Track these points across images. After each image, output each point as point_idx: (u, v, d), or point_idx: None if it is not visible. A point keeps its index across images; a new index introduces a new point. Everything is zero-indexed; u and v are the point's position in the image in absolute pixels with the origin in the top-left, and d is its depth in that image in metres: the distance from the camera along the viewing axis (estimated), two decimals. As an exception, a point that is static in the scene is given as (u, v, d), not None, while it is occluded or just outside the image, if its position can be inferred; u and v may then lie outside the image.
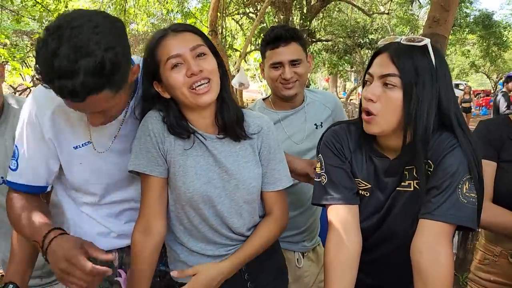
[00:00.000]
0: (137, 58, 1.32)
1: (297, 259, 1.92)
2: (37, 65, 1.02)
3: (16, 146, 1.30)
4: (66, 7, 7.81)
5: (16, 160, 1.29)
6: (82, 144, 1.31)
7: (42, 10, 7.23)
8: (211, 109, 1.25)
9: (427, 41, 1.09)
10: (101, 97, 1.05)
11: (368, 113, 1.14)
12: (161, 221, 1.26)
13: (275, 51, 1.70)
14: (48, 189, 1.36)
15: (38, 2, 7.09)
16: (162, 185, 1.25)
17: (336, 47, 16.69)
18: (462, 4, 19.02)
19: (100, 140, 1.31)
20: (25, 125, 1.27)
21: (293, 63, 1.71)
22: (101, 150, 1.32)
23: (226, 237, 1.30)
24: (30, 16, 7.44)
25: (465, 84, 28.14)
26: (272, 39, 1.70)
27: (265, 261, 1.38)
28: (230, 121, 1.25)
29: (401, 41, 1.12)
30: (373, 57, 1.17)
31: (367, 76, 1.17)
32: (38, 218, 1.25)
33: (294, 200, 1.75)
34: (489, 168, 1.46)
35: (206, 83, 1.17)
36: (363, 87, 1.20)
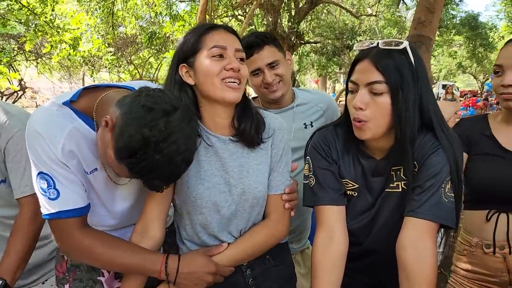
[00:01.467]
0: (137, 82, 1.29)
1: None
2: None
3: (47, 174, 1.16)
4: (53, 10, 7.76)
5: (54, 188, 1.16)
6: (92, 171, 1.24)
7: (28, 14, 7.16)
8: (230, 110, 1.25)
9: (406, 44, 1.11)
10: None
11: (359, 120, 1.15)
12: (159, 225, 1.26)
13: (251, 60, 1.69)
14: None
15: (24, 6, 7.03)
16: (167, 190, 1.23)
17: (324, 49, 16.82)
18: (449, 5, 19.24)
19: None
20: (42, 150, 1.15)
21: (271, 65, 1.71)
22: (121, 182, 1.31)
23: (225, 242, 1.30)
24: (17, 20, 7.35)
25: (452, 84, 28.47)
26: (245, 48, 1.68)
27: (272, 267, 1.37)
28: (249, 128, 1.25)
29: (380, 46, 1.13)
30: (354, 64, 1.18)
31: (350, 84, 1.18)
32: (130, 247, 1.22)
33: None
34: None
35: (238, 83, 1.19)
36: (346, 95, 1.21)
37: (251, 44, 1.67)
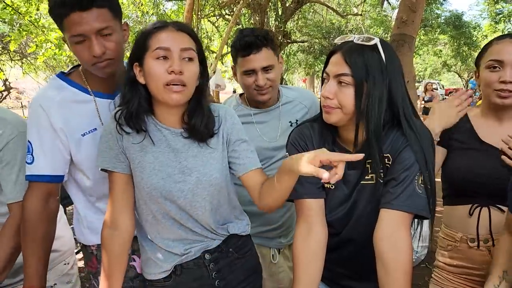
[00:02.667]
0: None
1: (272, 255, 1.95)
2: None
3: (29, 142, 1.38)
4: (38, 9, 7.66)
5: (31, 154, 1.37)
6: (89, 131, 1.40)
7: (12, 13, 7.08)
8: (180, 108, 1.27)
9: (376, 40, 1.16)
10: (103, 11, 1.28)
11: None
12: (128, 216, 1.29)
13: (247, 59, 1.70)
14: (65, 178, 1.43)
15: (8, 5, 6.94)
16: (127, 181, 1.28)
17: (312, 48, 16.89)
18: (433, 5, 19.46)
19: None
20: (34, 119, 1.36)
21: (266, 69, 1.72)
22: None
23: (193, 231, 1.31)
24: (0, 19, 7.26)
25: (437, 82, 28.75)
26: (243, 47, 1.69)
27: (236, 260, 1.40)
28: (199, 125, 1.27)
29: (354, 41, 1.17)
30: (329, 56, 1.23)
31: (324, 74, 1.23)
32: (40, 252, 1.37)
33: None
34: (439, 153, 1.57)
35: (181, 85, 1.18)
36: (321, 85, 1.26)
37: (250, 44, 1.67)
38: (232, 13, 11.47)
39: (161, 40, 1.18)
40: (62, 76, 1.44)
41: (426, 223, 1.27)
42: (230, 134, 1.34)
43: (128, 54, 1.31)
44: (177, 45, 1.18)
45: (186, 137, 1.29)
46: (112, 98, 1.44)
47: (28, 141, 1.38)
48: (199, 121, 1.27)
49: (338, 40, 1.24)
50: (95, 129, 1.41)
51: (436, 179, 1.21)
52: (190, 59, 1.20)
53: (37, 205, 1.37)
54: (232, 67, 1.91)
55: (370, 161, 1.22)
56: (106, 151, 1.26)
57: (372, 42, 1.15)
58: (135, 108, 1.23)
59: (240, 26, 11.34)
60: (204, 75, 1.28)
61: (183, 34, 1.22)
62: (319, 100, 1.31)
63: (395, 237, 1.12)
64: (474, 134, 1.55)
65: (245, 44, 1.69)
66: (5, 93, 9.57)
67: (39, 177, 1.38)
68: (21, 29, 7.37)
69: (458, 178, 1.55)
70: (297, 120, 1.87)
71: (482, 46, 1.58)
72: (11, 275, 1.59)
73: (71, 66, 1.52)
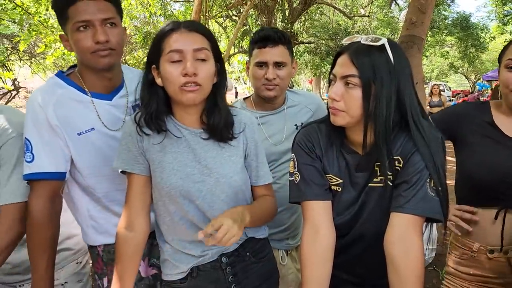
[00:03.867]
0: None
1: (281, 256, 1.95)
2: None
3: (27, 139, 1.35)
4: (47, 9, 7.71)
5: (31, 152, 1.34)
6: (86, 131, 1.39)
7: (22, 13, 7.13)
8: (197, 107, 1.27)
9: (384, 40, 1.14)
10: (108, 5, 1.34)
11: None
12: (144, 218, 1.30)
13: (262, 51, 1.73)
14: (67, 176, 1.41)
15: (18, 5, 6.99)
16: (144, 183, 1.29)
17: (318, 49, 16.85)
18: (441, 6, 19.35)
19: (111, 118, 1.44)
20: (32, 116, 1.35)
21: (278, 65, 1.74)
22: (114, 127, 1.44)
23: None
24: (10, 19, 7.32)
25: (444, 84, 28.53)
26: (261, 39, 1.73)
27: (252, 264, 1.39)
28: (218, 123, 1.27)
29: (361, 41, 1.16)
30: (336, 57, 1.22)
31: (331, 76, 1.21)
32: (47, 255, 1.36)
33: (276, 197, 1.79)
34: None
35: (196, 85, 1.19)
36: (329, 86, 1.24)
37: (268, 37, 1.72)
38: (239, 14, 11.49)
39: (174, 43, 1.18)
40: (61, 75, 1.44)
41: (434, 225, 1.26)
42: (250, 143, 1.36)
43: (126, 59, 1.34)
44: (189, 46, 1.18)
45: (206, 138, 1.29)
46: (109, 99, 1.45)
47: (26, 139, 1.35)
48: (217, 120, 1.27)
49: (345, 41, 1.22)
50: (93, 128, 1.40)
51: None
52: (204, 60, 1.20)
53: (44, 206, 1.34)
54: (246, 62, 1.94)
55: (379, 163, 1.20)
56: (125, 153, 1.27)
57: (379, 43, 1.13)
58: (154, 109, 1.24)
59: (247, 27, 11.35)
60: (221, 73, 1.29)
61: (196, 34, 1.22)
62: (325, 103, 1.31)
63: (407, 241, 1.10)
64: (496, 127, 1.47)
65: (263, 36, 1.73)
66: (14, 93, 9.65)
67: (41, 175, 1.34)
68: (30, 29, 7.42)
69: (480, 177, 1.46)
70: (302, 123, 1.87)
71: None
72: (24, 272, 1.60)
73: (69, 67, 1.52)
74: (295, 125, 1.87)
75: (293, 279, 1.99)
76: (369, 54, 1.13)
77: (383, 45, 1.14)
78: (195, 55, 1.19)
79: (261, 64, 1.75)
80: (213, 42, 1.26)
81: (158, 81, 1.24)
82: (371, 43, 1.14)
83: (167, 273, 1.35)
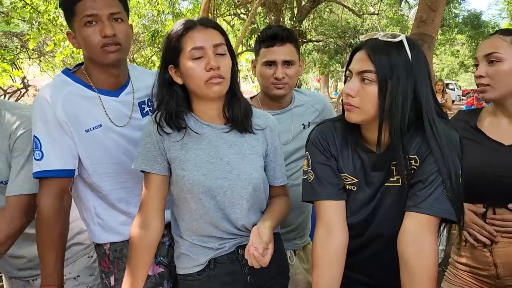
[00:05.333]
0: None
1: (289, 256, 1.94)
2: None
3: (36, 137, 1.36)
4: (56, 8, 7.77)
5: (40, 150, 1.35)
6: (93, 127, 1.40)
7: (32, 12, 7.18)
8: (219, 102, 1.30)
9: (402, 37, 1.12)
10: (115, 0, 1.35)
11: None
12: (159, 217, 1.31)
13: (270, 50, 1.72)
14: (76, 172, 1.42)
15: (28, 4, 7.05)
16: (162, 183, 1.30)
17: (327, 48, 16.81)
18: (451, 4, 19.21)
19: (118, 114, 1.44)
20: (40, 114, 1.36)
21: (286, 63, 1.73)
22: (121, 123, 1.44)
23: (226, 232, 1.32)
24: (20, 18, 7.37)
25: (454, 83, 28.34)
26: (268, 37, 1.72)
27: None
28: (239, 113, 1.31)
29: (379, 38, 1.15)
30: (353, 53, 1.20)
31: (347, 72, 1.20)
32: (57, 250, 1.36)
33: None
34: None
35: (220, 78, 1.22)
36: (345, 82, 1.23)
37: (276, 36, 1.71)
38: (247, 12, 11.48)
39: (194, 40, 1.21)
40: (68, 72, 1.45)
41: (443, 225, 1.24)
42: (270, 146, 1.39)
43: (134, 58, 1.34)
44: (209, 42, 1.22)
45: (227, 131, 1.32)
46: (115, 96, 1.45)
47: (35, 136, 1.36)
48: (238, 110, 1.31)
49: (363, 38, 1.21)
50: (100, 125, 1.41)
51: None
52: (223, 54, 1.24)
53: (53, 203, 1.35)
54: (252, 61, 1.92)
55: (395, 162, 1.18)
56: (144, 153, 1.29)
57: (397, 39, 1.11)
58: (174, 108, 1.27)
59: (255, 25, 11.34)
60: (234, 65, 1.32)
61: (213, 30, 1.25)
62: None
63: (421, 241, 1.09)
64: (478, 130, 1.52)
65: (271, 35, 1.72)
66: (23, 91, 9.73)
67: (50, 172, 1.35)
68: (39, 28, 7.48)
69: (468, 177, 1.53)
70: (309, 123, 1.87)
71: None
72: (36, 266, 1.60)
73: (75, 65, 1.53)
74: (303, 124, 1.86)
75: (301, 279, 1.98)
76: (386, 50, 1.11)
77: (401, 41, 1.12)
78: (215, 50, 1.22)
79: (270, 63, 1.74)
80: (225, 37, 1.30)
81: (178, 80, 1.26)
82: (389, 40, 1.13)
83: (184, 266, 1.35)
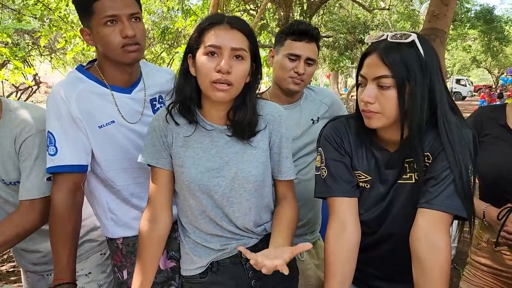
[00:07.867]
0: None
1: (300, 252, 1.94)
2: None
3: (50, 133, 1.38)
4: (67, 5, 7.81)
5: (54, 145, 1.37)
6: (107, 123, 1.42)
7: (43, 9, 7.23)
8: (225, 105, 1.27)
9: (413, 36, 1.10)
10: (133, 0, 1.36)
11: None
12: (167, 211, 1.32)
13: (296, 44, 1.75)
14: (89, 168, 1.43)
15: (39, 1, 7.10)
16: (168, 177, 1.31)
17: (336, 43, 16.71)
18: (463, -2, 18.95)
19: (130, 111, 1.46)
20: (55, 110, 1.37)
21: (309, 61, 1.76)
22: (133, 120, 1.46)
23: (228, 230, 1.31)
24: (31, 15, 7.43)
25: (466, 78, 27.98)
26: (298, 32, 1.75)
27: None
28: (241, 122, 1.27)
29: (388, 39, 1.12)
30: (363, 58, 1.18)
31: (360, 78, 1.18)
32: (70, 245, 1.38)
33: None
34: None
35: (227, 84, 1.18)
36: (357, 89, 1.22)
37: (306, 32, 1.74)
38: (257, 8, 11.44)
39: (214, 38, 1.18)
40: (81, 69, 1.46)
41: (455, 222, 1.23)
42: (275, 136, 1.33)
43: (144, 54, 1.34)
44: (228, 44, 1.17)
45: (230, 135, 1.29)
46: (128, 93, 1.47)
47: (49, 132, 1.38)
48: (242, 118, 1.26)
49: (368, 40, 1.19)
50: (113, 121, 1.43)
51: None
52: (241, 58, 1.20)
53: (66, 199, 1.37)
54: (270, 50, 1.92)
55: (408, 160, 1.18)
56: (149, 147, 1.30)
57: (409, 39, 1.10)
58: (188, 96, 1.26)
59: (264, 21, 11.29)
60: (256, 73, 1.28)
61: (237, 32, 1.20)
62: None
63: (433, 237, 1.08)
64: (508, 129, 1.49)
65: (302, 30, 1.75)
66: (34, 88, 9.84)
67: (63, 168, 1.37)
68: (51, 25, 7.54)
69: (490, 176, 1.50)
70: (318, 118, 1.87)
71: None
72: (49, 262, 1.62)
73: (88, 61, 1.54)
74: (312, 119, 1.87)
75: (312, 274, 1.98)
76: (399, 52, 1.10)
77: (412, 41, 1.10)
78: (232, 53, 1.18)
79: (294, 57, 1.76)
80: (252, 43, 1.25)
81: (192, 70, 1.24)
82: (400, 41, 1.11)
83: (187, 268, 1.35)
